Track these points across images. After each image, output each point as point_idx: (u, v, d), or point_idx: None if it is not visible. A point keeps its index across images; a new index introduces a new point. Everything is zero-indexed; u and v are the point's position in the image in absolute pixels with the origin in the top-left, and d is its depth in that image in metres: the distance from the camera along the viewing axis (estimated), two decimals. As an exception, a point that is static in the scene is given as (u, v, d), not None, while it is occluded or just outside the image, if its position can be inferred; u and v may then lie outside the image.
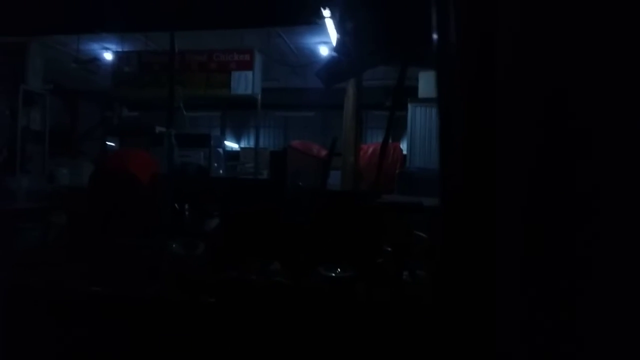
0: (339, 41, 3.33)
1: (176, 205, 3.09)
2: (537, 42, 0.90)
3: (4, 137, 7.46)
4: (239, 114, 14.15)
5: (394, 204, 3.10)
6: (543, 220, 0.90)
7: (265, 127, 14.27)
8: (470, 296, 1.00)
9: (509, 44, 0.93)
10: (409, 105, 7.65)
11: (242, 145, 14.95)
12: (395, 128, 5.30)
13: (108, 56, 10.02)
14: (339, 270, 2.39)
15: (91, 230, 2.95)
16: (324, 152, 6.24)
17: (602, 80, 0.84)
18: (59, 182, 7.63)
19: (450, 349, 1.06)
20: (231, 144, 14.50)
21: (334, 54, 3.38)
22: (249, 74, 9.06)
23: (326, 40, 8.05)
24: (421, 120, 7.63)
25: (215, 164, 9.31)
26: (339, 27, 3.40)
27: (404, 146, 8.43)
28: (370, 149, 7.88)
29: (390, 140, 4.62)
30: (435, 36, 1.05)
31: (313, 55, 9.64)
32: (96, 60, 10.09)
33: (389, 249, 2.53)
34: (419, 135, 7.65)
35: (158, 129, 8.73)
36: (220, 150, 10.12)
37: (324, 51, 9.09)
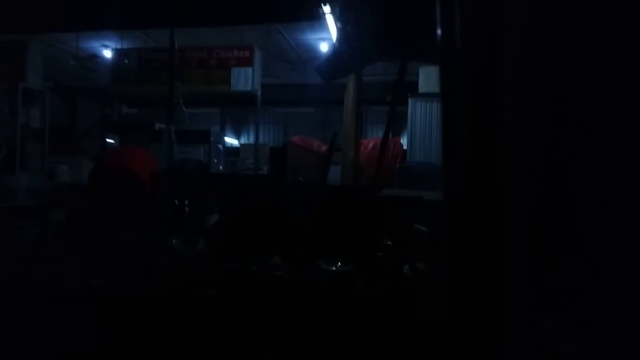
0: (339, 33, 3.31)
1: (176, 201, 3.09)
2: (544, 38, 0.89)
3: (3, 135, 7.48)
4: (238, 110, 14.15)
5: (394, 198, 3.10)
6: (547, 219, 0.89)
7: (265, 123, 14.26)
8: (475, 294, 0.99)
9: (516, 39, 0.92)
10: (409, 100, 7.65)
11: (242, 142, 14.95)
12: (396, 123, 5.31)
13: (107, 53, 10.03)
14: (339, 264, 2.39)
15: (91, 227, 2.95)
16: (324, 148, 6.24)
17: (610, 78, 0.83)
18: (59, 179, 7.63)
19: (454, 346, 1.06)
20: (231, 140, 14.50)
21: (335, 46, 3.37)
22: (249, 70, 9.05)
23: (326, 36, 8.05)
24: (421, 115, 7.64)
25: (215, 160, 9.32)
26: (340, 20, 3.38)
27: (404, 141, 8.44)
28: (371, 144, 7.90)
29: (390, 135, 4.62)
30: (439, 30, 1.04)
31: (313, 51, 9.63)
32: (95, 57, 10.10)
33: (389, 243, 2.53)
34: (419, 130, 7.65)
35: (158, 125, 8.72)
36: (220, 146, 10.13)
37: (323, 47, 9.08)
